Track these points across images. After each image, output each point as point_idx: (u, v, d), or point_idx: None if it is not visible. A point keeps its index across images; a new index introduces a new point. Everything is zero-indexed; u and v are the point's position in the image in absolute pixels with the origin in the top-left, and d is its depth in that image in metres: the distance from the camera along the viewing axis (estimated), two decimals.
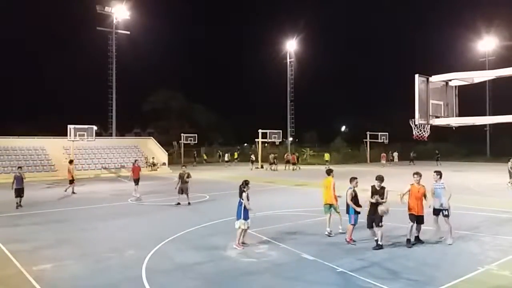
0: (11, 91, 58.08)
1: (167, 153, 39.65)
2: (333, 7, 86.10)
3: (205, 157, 48.45)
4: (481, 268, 8.07)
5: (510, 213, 13.95)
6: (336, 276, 7.80)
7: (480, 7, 64.59)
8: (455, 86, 8.07)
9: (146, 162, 35.99)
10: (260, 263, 8.66)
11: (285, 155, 39.58)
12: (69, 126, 29.77)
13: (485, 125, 49.49)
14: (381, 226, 9.50)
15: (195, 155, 46.66)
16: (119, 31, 42.30)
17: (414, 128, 7.78)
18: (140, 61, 57.20)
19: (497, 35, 51.26)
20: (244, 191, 9.76)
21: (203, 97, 64.22)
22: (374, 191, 9.78)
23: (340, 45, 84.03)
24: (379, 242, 9.53)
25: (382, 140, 46.98)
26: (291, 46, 51.83)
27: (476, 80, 8.11)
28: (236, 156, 49.40)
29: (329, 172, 11.63)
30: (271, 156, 37.86)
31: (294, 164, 36.90)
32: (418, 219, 9.92)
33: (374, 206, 9.62)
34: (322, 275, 7.85)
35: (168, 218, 14.20)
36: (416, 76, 7.50)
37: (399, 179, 27.58)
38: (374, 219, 9.53)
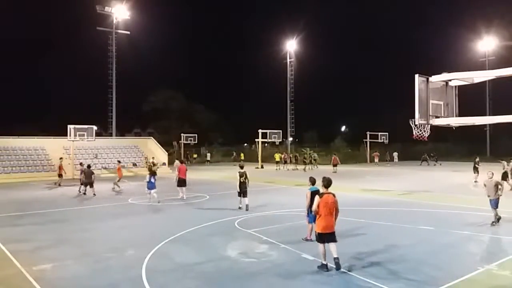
0: (11, 91, 58.12)
1: (167, 153, 39.66)
2: (333, 7, 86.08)
3: (194, 156, 49.03)
4: (481, 268, 8.07)
5: (510, 213, 13.95)
6: (336, 276, 7.79)
7: (480, 7, 64.53)
8: (455, 86, 8.09)
9: (146, 162, 35.97)
10: (260, 263, 8.66)
11: (283, 155, 39.81)
12: (69, 126, 29.76)
13: (485, 125, 49.49)
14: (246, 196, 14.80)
15: (188, 155, 48.07)
16: (119, 31, 42.28)
17: (414, 128, 7.79)
18: (140, 61, 57.25)
19: (497, 35, 51.28)
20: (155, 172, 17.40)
21: (203, 97, 64.31)
22: (241, 174, 14.72)
23: (340, 45, 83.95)
24: (243, 207, 14.71)
25: (382, 140, 46.97)
26: (291, 46, 51.83)
27: (476, 80, 8.12)
28: (242, 157, 49.88)
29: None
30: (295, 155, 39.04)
31: (335, 165, 33.98)
32: None
33: (243, 184, 14.75)
34: (322, 275, 7.84)
35: (168, 218, 14.21)
36: (416, 76, 7.50)
37: (388, 179, 27.74)
38: (243, 192, 14.78)
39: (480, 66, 48.94)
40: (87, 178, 19.51)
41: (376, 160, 44.15)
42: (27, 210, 15.76)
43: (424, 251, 9.44)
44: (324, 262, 8.02)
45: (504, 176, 20.68)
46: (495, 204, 11.98)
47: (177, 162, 20.22)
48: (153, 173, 16.99)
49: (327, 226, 7.95)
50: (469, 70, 9.22)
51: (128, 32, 42.91)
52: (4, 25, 57.84)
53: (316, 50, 65.52)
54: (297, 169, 36.67)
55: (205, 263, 8.73)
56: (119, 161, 25.89)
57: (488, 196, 12.19)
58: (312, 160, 39.16)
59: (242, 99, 75.58)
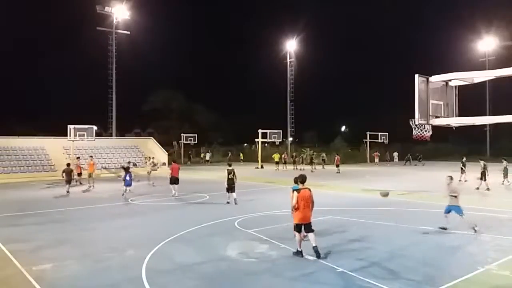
0: (11, 91, 58.08)
1: (167, 153, 39.66)
2: (333, 7, 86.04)
3: (202, 156, 49.32)
4: (481, 268, 8.07)
5: (510, 213, 13.96)
6: (336, 276, 7.80)
7: (480, 7, 64.54)
8: (455, 86, 8.07)
9: (146, 162, 35.96)
10: (260, 263, 8.66)
11: (283, 155, 39.84)
12: (69, 126, 29.74)
13: (485, 125, 49.47)
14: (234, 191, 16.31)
15: (190, 155, 48.80)
16: (119, 31, 42.28)
17: (414, 128, 7.78)
18: (140, 61, 57.18)
19: (497, 35, 51.27)
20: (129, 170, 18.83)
21: (203, 97, 64.20)
22: (230, 172, 16.20)
23: (340, 45, 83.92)
24: (232, 202, 16.10)
25: (382, 140, 46.97)
26: (291, 46, 51.80)
27: (476, 80, 8.10)
28: (242, 157, 50.16)
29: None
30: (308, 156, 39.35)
31: (337, 166, 34.18)
32: None
33: (231, 180, 16.17)
34: (322, 275, 7.84)
35: (168, 218, 14.21)
36: (416, 76, 7.49)
37: (390, 178, 27.73)
38: (231, 188, 16.24)
39: (480, 66, 48.92)
40: (67, 176, 20.66)
41: (376, 160, 44.34)
42: (27, 210, 15.75)
43: (424, 251, 9.44)
44: (300, 249, 8.91)
45: (483, 176, 20.93)
46: (460, 211, 11.01)
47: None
48: (128, 171, 18.68)
49: (304, 217, 8.85)
50: (469, 70, 9.20)
51: (128, 32, 42.92)
52: (4, 25, 57.81)
53: (316, 50, 65.39)
54: (299, 169, 36.54)
55: (205, 263, 8.73)
56: (91, 156, 25.90)
57: (450, 202, 11.22)
58: (321, 161, 39.32)
59: (242, 99, 75.55)
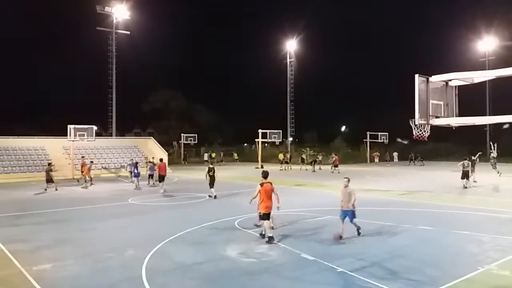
0: (11, 91, 58.10)
1: (167, 153, 39.66)
2: (333, 7, 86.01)
3: (213, 155, 49.36)
4: (481, 268, 8.07)
5: (509, 213, 13.95)
6: (336, 276, 7.80)
7: (480, 7, 64.45)
8: (455, 86, 8.09)
9: (146, 162, 35.97)
10: (260, 263, 8.66)
11: (285, 155, 39.81)
12: (69, 126, 29.72)
13: (485, 125, 49.46)
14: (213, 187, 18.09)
15: (186, 155, 49.31)
16: (119, 31, 42.27)
17: (414, 128, 7.80)
18: (140, 61, 57.16)
19: (497, 35, 51.23)
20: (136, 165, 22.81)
21: (203, 97, 64.19)
22: (210, 169, 18.11)
23: (340, 45, 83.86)
24: (213, 196, 18.00)
25: (382, 140, 46.95)
26: (291, 46, 51.80)
27: (476, 80, 8.12)
28: (236, 157, 50.16)
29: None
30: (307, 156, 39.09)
31: (336, 166, 33.99)
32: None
33: (212, 177, 17.92)
34: (322, 275, 7.84)
35: (168, 218, 14.20)
36: (416, 76, 7.51)
37: (388, 178, 27.75)
38: (212, 183, 17.99)
39: (480, 66, 48.89)
40: (48, 175, 22.12)
41: (376, 160, 44.31)
42: (27, 210, 15.76)
43: (424, 251, 9.44)
44: (270, 235, 10.10)
45: (465, 175, 21.00)
46: (352, 215, 10.33)
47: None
48: (136, 165, 22.61)
49: (267, 207, 10.13)
50: (469, 70, 9.21)
51: (128, 32, 42.90)
52: (4, 25, 57.82)
53: (316, 50, 65.46)
54: (305, 169, 36.54)
55: (205, 263, 8.73)
56: (92, 162, 26.38)
57: (342, 207, 10.43)
58: (329, 162, 39.10)
59: (242, 99, 75.55)
